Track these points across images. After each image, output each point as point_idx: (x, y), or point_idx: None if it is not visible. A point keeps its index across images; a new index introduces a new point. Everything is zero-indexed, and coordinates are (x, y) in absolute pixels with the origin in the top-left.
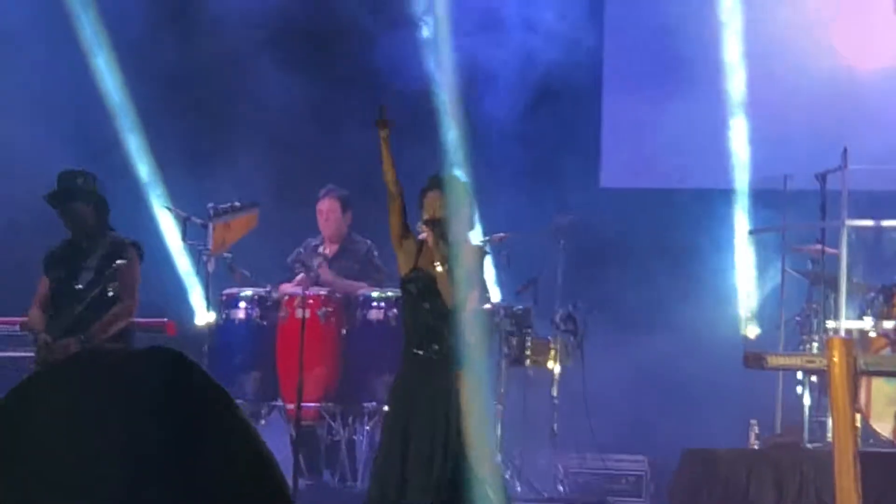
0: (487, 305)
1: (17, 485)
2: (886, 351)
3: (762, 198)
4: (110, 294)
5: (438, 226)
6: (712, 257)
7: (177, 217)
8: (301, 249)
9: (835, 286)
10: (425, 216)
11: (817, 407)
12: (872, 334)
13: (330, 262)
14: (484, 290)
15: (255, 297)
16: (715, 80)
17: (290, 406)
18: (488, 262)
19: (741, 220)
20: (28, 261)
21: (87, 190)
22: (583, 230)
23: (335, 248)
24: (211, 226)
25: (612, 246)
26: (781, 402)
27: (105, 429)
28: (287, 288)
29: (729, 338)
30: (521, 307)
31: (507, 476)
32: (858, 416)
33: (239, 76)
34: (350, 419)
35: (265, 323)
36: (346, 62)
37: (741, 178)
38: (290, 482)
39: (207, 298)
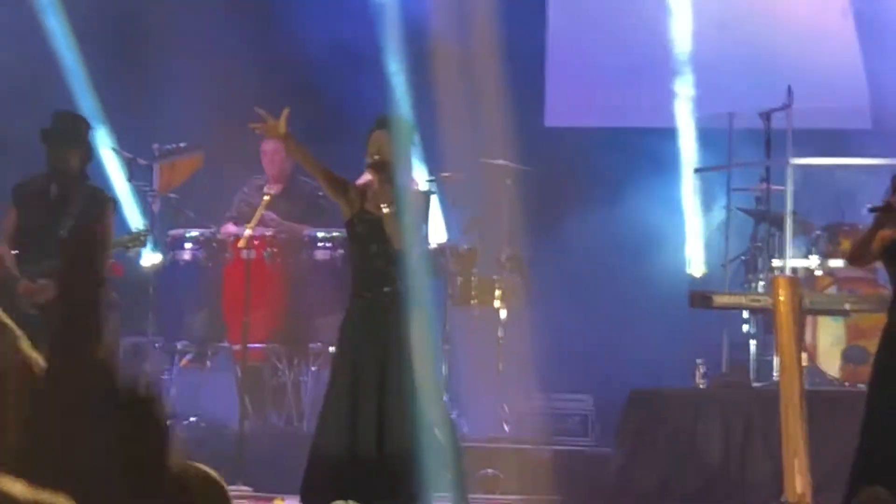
0: (432, 245)
1: None
2: (832, 290)
3: (707, 136)
4: None
5: (384, 169)
6: (657, 196)
7: (122, 158)
8: (245, 189)
9: (780, 225)
10: (369, 159)
11: (763, 346)
12: (818, 273)
13: (274, 202)
14: (427, 230)
15: (201, 238)
16: (660, 18)
17: (237, 347)
18: (434, 201)
19: (686, 158)
20: None
21: (83, 137)
22: (528, 170)
23: (279, 188)
24: (156, 167)
25: (558, 185)
26: (727, 342)
27: None
28: (231, 228)
29: (675, 277)
30: (466, 247)
31: (453, 416)
32: (804, 355)
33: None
34: (296, 361)
35: (211, 264)
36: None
37: (686, 117)
38: (236, 424)
39: (153, 240)
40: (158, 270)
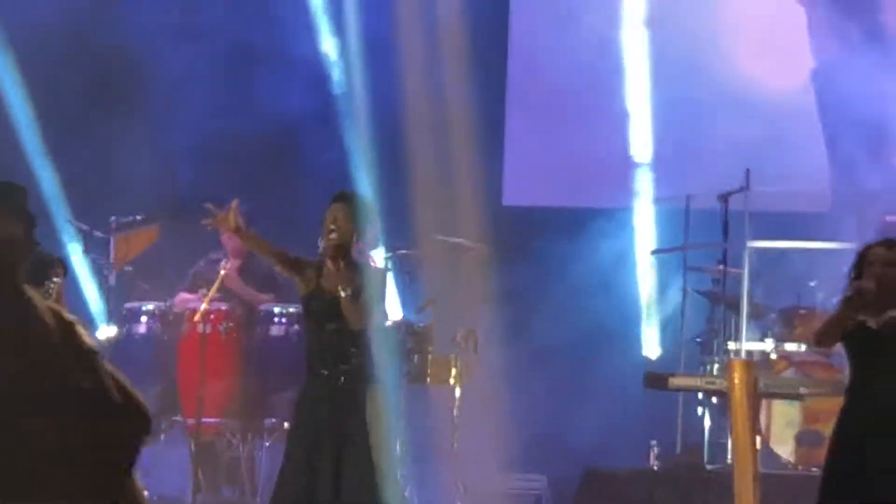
0: (388, 323)
1: None
2: (788, 373)
3: (664, 217)
4: None
5: (339, 249)
6: (614, 276)
7: (78, 230)
8: (202, 263)
9: (736, 307)
10: (325, 234)
11: (717, 428)
12: (773, 356)
13: (230, 277)
14: (384, 308)
15: (157, 311)
16: (619, 97)
17: (191, 421)
18: (390, 278)
19: (643, 239)
20: None
21: (20, 206)
22: (485, 248)
23: (237, 263)
24: (112, 239)
25: (514, 264)
26: (682, 423)
27: None
28: (184, 296)
29: (631, 357)
30: (422, 324)
31: (406, 494)
32: (759, 439)
33: (142, 86)
34: (250, 435)
35: (166, 337)
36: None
37: (643, 198)
38: (189, 498)
39: (108, 312)
40: (113, 343)
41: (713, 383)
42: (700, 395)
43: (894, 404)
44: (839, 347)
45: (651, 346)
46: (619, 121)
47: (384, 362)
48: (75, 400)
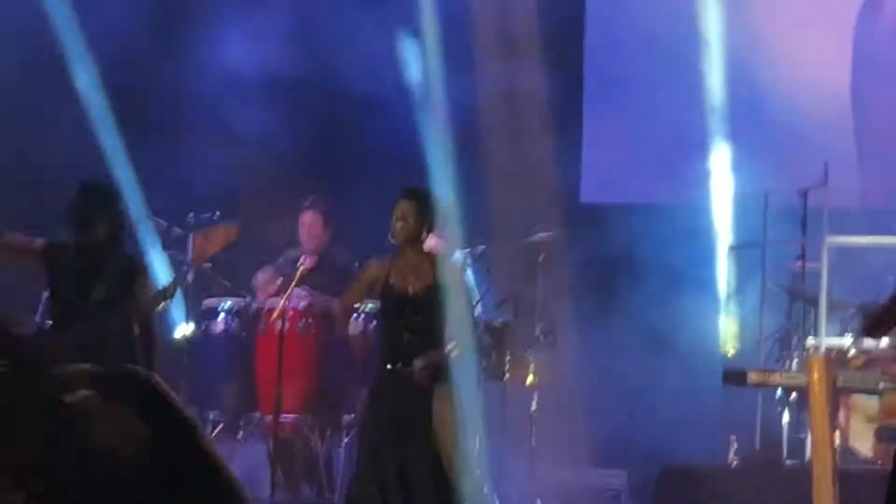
0: (470, 320)
1: None
2: (866, 369)
3: (743, 213)
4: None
5: (413, 244)
6: (693, 273)
7: (157, 227)
8: (281, 260)
9: (815, 303)
10: (395, 229)
11: (796, 424)
12: (852, 352)
13: (308, 275)
14: (468, 304)
15: (235, 308)
16: (697, 94)
17: (269, 418)
18: (468, 276)
19: (722, 235)
20: None
21: (109, 205)
22: (563, 244)
23: (314, 260)
24: (191, 236)
25: (592, 260)
26: (760, 419)
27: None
28: (267, 295)
29: (709, 354)
30: (500, 321)
31: (485, 491)
32: (837, 434)
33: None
34: (328, 432)
35: (244, 335)
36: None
37: (722, 193)
38: (267, 495)
39: (186, 310)
40: (191, 341)
41: (792, 379)
42: (779, 391)
43: None
44: None
45: (730, 342)
46: (696, 116)
47: (462, 360)
48: None
